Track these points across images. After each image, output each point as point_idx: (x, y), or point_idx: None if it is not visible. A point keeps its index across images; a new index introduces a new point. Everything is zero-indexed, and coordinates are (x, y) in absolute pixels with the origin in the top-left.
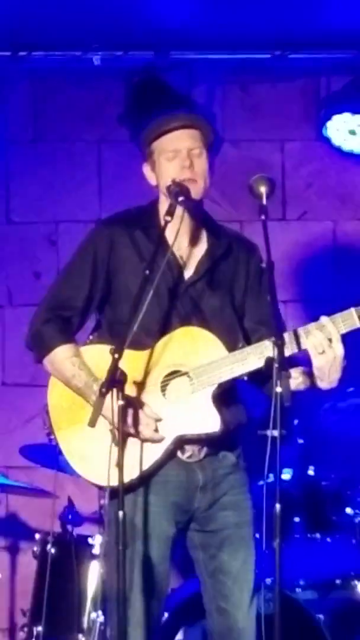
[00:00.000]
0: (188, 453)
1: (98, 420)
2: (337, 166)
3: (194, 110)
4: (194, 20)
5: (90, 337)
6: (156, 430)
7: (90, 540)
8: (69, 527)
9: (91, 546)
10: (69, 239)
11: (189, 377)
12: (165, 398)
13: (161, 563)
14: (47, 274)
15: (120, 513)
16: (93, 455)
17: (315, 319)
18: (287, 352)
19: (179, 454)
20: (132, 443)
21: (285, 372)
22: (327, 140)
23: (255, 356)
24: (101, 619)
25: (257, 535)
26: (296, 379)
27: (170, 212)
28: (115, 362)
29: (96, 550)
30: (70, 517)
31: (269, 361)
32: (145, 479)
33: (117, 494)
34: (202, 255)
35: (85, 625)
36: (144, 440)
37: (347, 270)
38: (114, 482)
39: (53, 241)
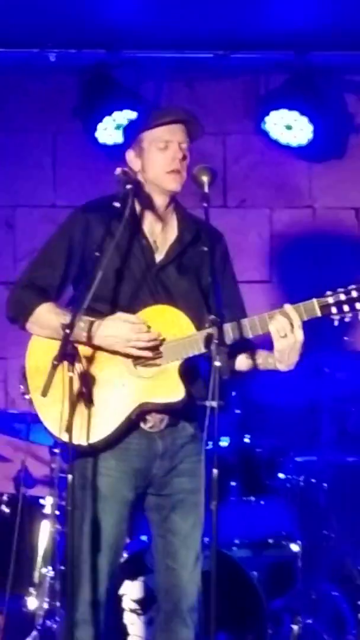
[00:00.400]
0: (150, 423)
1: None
2: (274, 158)
3: (187, 109)
4: (143, 21)
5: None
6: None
7: (41, 501)
8: (22, 488)
9: (42, 506)
10: (25, 223)
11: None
12: (136, 369)
13: (119, 524)
14: (4, 255)
15: (69, 476)
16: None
17: (275, 303)
18: (254, 334)
19: (141, 424)
20: (98, 408)
21: (223, 347)
22: (265, 134)
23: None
24: (51, 574)
25: None
26: (256, 359)
27: (119, 199)
28: (66, 337)
29: (47, 510)
30: (23, 479)
31: (209, 337)
32: (108, 444)
33: (85, 454)
34: (172, 241)
35: (36, 579)
36: (144, 348)
37: (281, 254)
38: (83, 442)
39: (10, 225)
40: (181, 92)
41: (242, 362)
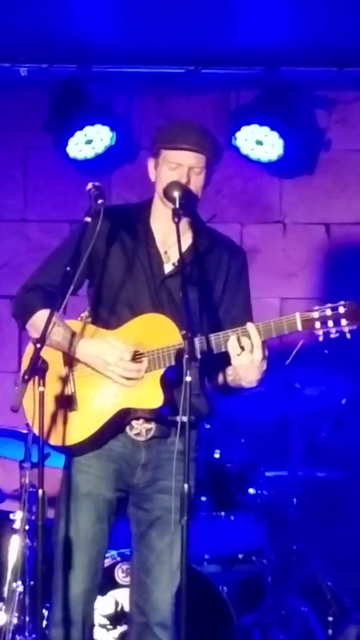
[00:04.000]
0: (135, 431)
1: (35, 402)
2: (244, 173)
3: (205, 135)
4: (115, 36)
5: (81, 315)
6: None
7: (11, 516)
8: None
9: (12, 521)
10: None
11: (145, 358)
12: None
13: (98, 522)
14: None
15: (40, 491)
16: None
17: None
18: (216, 350)
19: (127, 429)
20: (81, 409)
21: (194, 362)
22: (236, 150)
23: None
24: (20, 588)
25: None
26: (229, 376)
27: (91, 214)
28: (37, 352)
29: (17, 525)
30: None
31: (180, 352)
32: (89, 447)
33: (70, 454)
34: (183, 252)
35: (5, 594)
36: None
37: (252, 269)
38: (68, 442)
39: None
40: (152, 107)
41: (223, 376)
